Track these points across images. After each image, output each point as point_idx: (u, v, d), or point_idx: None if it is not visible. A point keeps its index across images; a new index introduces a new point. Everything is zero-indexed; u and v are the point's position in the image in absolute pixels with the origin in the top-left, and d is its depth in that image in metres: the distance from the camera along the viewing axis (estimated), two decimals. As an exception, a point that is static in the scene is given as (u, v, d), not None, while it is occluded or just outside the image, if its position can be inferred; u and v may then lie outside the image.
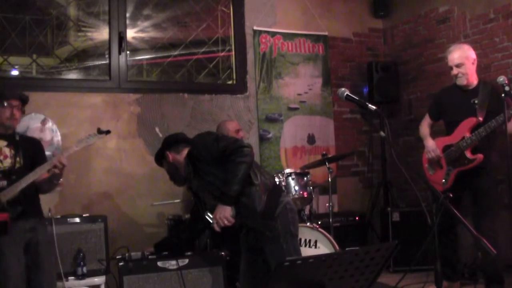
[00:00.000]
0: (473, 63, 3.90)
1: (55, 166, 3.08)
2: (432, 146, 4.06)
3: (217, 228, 2.94)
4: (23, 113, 3.29)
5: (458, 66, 3.88)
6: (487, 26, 4.94)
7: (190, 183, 3.17)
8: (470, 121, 3.84)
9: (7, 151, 3.17)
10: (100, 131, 3.36)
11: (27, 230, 3.13)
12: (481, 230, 3.59)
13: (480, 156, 3.80)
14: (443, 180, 3.98)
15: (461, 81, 3.91)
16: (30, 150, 3.28)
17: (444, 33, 5.39)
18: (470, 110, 3.84)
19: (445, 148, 4.00)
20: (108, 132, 3.39)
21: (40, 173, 3.11)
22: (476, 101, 3.84)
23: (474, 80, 3.94)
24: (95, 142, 3.38)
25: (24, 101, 3.25)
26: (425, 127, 4.24)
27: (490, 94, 3.81)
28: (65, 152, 3.24)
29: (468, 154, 3.85)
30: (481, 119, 3.79)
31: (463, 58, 3.87)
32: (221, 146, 2.94)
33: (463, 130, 3.88)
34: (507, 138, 3.61)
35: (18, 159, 3.18)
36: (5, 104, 3.13)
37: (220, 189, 2.94)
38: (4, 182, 3.09)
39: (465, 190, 3.91)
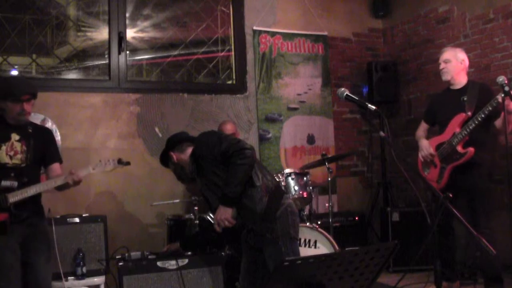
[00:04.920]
0: (461, 63, 4.08)
1: (69, 182, 3.12)
2: (425, 145, 4.16)
3: (218, 229, 2.95)
4: (32, 104, 3.21)
5: (445, 61, 4.09)
6: (486, 26, 4.93)
7: (195, 182, 3.17)
8: (460, 117, 3.93)
9: (18, 146, 3.12)
10: (120, 162, 3.37)
11: (26, 226, 3.13)
12: (477, 229, 3.62)
13: (471, 149, 3.85)
14: (438, 178, 4.02)
15: (446, 76, 4.10)
16: (42, 144, 3.24)
17: (444, 33, 5.39)
18: (460, 107, 3.95)
19: (438, 147, 4.07)
20: (128, 163, 3.41)
21: (51, 186, 3.14)
22: (465, 99, 3.96)
23: (462, 80, 4.09)
24: (113, 169, 3.38)
25: (33, 95, 3.17)
26: (420, 131, 4.39)
27: (478, 92, 3.94)
28: (81, 171, 3.22)
29: (459, 149, 3.91)
30: (470, 113, 3.88)
31: (451, 56, 4.08)
32: (223, 147, 2.93)
33: (454, 126, 3.97)
34: (506, 138, 3.62)
35: (29, 155, 3.15)
36: (16, 100, 3.07)
37: (222, 190, 2.94)
38: (15, 183, 3.07)
39: (459, 189, 3.91)
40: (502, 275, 3.94)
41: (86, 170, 3.27)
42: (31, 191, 3.08)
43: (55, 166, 3.31)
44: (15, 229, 3.06)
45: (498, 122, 3.87)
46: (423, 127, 4.38)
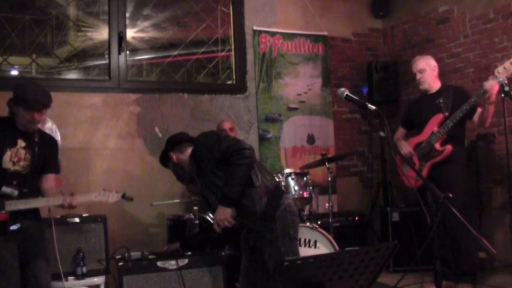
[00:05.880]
0: (434, 70, 4.30)
1: (64, 204, 3.12)
2: (404, 144, 4.34)
3: (217, 229, 2.95)
4: (44, 113, 3.21)
5: (420, 71, 4.29)
6: (487, 26, 4.94)
7: (196, 182, 3.17)
8: (438, 117, 4.11)
9: (22, 153, 3.13)
10: (124, 196, 3.38)
11: (22, 229, 3.13)
12: (451, 227, 3.86)
13: (449, 147, 4.03)
14: (417, 176, 4.09)
15: (423, 86, 4.31)
16: (45, 153, 3.25)
17: (444, 33, 5.39)
18: (436, 109, 4.14)
19: (416, 146, 4.23)
20: (131, 199, 3.42)
21: (49, 204, 3.17)
22: (440, 101, 4.15)
23: (436, 85, 4.30)
24: (115, 202, 3.39)
25: (47, 106, 3.16)
26: (398, 134, 4.58)
27: (453, 93, 4.14)
28: (82, 196, 3.23)
29: (437, 147, 4.07)
30: (447, 114, 4.05)
31: (425, 65, 4.29)
32: (223, 147, 2.93)
33: (432, 126, 4.14)
34: (506, 138, 3.64)
35: (31, 164, 3.16)
36: (28, 109, 3.06)
37: (221, 190, 2.94)
38: (15, 192, 3.07)
39: (436, 185, 3.94)
40: (476, 271, 4.14)
41: (89, 196, 3.29)
42: (30, 204, 3.08)
43: (50, 176, 3.32)
44: (12, 232, 3.06)
45: (475, 118, 4.05)
46: (400, 131, 4.57)
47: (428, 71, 4.25)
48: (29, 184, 3.14)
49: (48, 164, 3.29)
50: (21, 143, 3.14)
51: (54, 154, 3.36)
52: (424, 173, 4.09)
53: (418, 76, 4.27)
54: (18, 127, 3.15)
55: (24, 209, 3.08)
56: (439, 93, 4.22)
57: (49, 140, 3.38)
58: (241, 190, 2.91)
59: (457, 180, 4.04)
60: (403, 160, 4.06)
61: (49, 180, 3.30)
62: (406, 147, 4.27)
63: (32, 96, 3.08)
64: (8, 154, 3.09)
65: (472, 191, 4.68)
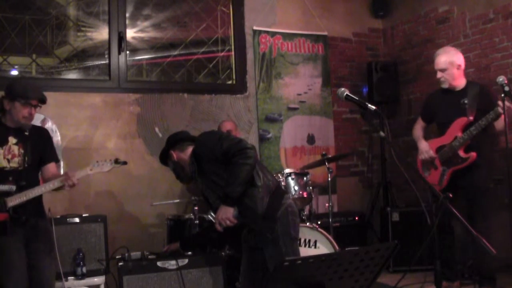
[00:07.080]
0: (458, 68, 4.02)
1: (65, 185, 3.11)
2: (425, 147, 4.15)
3: (219, 228, 2.95)
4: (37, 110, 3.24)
5: (441, 70, 4.04)
6: (486, 26, 4.93)
7: (196, 182, 3.17)
8: (461, 121, 3.93)
9: (16, 149, 3.13)
10: (117, 162, 3.38)
11: (28, 227, 3.13)
12: (474, 227, 3.68)
13: (473, 154, 3.88)
14: (439, 181, 4.04)
15: (444, 85, 4.08)
16: (39, 146, 3.25)
17: (444, 33, 5.39)
18: (460, 110, 3.95)
19: (439, 149, 4.08)
20: (125, 163, 3.41)
21: (49, 189, 3.13)
22: (465, 101, 3.95)
23: (461, 82, 4.06)
24: (110, 169, 3.38)
25: (43, 101, 3.19)
26: (418, 130, 4.35)
27: (478, 94, 3.93)
28: (79, 173, 3.22)
29: (461, 153, 3.93)
30: (471, 118, 3.88)
31: (447, 64, 4.01)
32: (225, 147, 2.93)
33: (455, 130, 3.97)
34: (506, 138, 3.63)
35: (26, 158, 3.14)
36: (26, 103, 3.08)
37: (223, 189, 2.94)
38: (13, 187, 3.06)
39: (459, 190, 3.92)
40: (495, 274, 3.98)
41: (84, 171, 3.27)
42: (30, 194, 3.08)
43: (50, 166, 3.32)
44: (17, 231, 3.06)
45: (498, 124, 3.87)
46: (420, 124, 4.35)
47: (449, 70, 4.00)
48: (26, 177, 3.13)
49: (45, 155, 3.29)
50: (12, 139, 3.14)
51: (48, 144, 3.35)
52: (447, 178, 3.98)
53: (439, 75, 4.04)
54: (7, 124, 3.15)
55: (28, 204, 3.08)
56: (464, 91, 4.01)
57: (40, 132, 3.36)
58: (243, 189, 2.91)
59: (481, 185, 3.94)
60: (417, 168, 3.96)
61: (50, 169, 3.30)
62: (427, 151, 4.11)
63: (30, 91, 3.11)
64: (0, 152, 3.09)
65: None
